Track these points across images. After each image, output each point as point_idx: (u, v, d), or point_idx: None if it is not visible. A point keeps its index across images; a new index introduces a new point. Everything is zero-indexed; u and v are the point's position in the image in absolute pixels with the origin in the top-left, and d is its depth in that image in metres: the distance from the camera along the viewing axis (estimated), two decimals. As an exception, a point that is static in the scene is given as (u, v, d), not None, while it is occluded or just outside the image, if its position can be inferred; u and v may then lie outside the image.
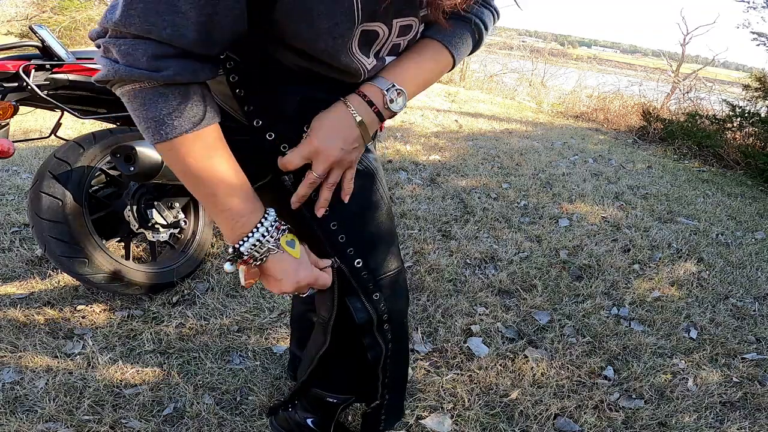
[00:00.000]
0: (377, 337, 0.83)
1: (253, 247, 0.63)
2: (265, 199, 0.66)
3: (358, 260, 0.77)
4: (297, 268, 0.67)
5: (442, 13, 0.65)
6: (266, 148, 0.68)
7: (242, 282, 0.66)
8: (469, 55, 0.79)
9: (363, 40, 0.63)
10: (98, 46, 0.55)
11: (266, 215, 0.64)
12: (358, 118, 0.65)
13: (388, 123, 4.06)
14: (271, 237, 0.63)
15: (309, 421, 1.05)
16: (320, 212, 0.71)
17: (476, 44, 0.76)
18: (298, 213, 0.71)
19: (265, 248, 0.63)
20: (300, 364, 0.99)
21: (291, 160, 0.66)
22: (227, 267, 0.65)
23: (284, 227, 0.66)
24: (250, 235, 0.62)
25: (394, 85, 0.67)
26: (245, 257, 0.63)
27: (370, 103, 0.66)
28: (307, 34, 0.58)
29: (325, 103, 0.67)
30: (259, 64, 0.65)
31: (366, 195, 0.77)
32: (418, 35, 0.71)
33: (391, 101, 0.67)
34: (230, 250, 0.64)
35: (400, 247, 2.13)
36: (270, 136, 0.68)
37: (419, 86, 0.71)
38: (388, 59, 0.70)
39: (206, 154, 0.58)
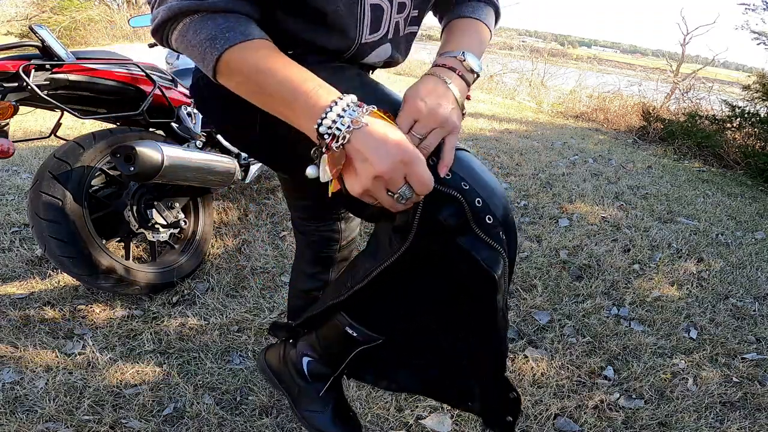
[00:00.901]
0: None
1: (333, 122, 0.54)
2: None
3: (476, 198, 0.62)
4: (394, 140, 0.54)
5: None
6: None
7: (325, 177, 0.56)
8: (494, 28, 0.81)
9: (373, 16, 0.66)
10: (153, 6, 0.58)
11: (346, 96, 0.57)
12: (449, 81, 0.65)
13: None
14: (353, 110, 0.55)
15: (305, 361, 0.84)
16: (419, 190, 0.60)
17: (497, 14, 0.81)
18: None
19: (350, 119, 0.54)
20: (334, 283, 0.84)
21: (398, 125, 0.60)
22: (309, 170, 0.58)
23: (374, 107, 0.57)
24: (329, 109, 0.54)
25: (463, 52, 0.68)
26: (326, 139, 0.54)
27: (453, 69, 0.67)
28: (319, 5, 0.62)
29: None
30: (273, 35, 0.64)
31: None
32: (410, 16, 0.73)
33: (473, 64, 0.68)
34: (315, 147, 0.57)
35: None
36: None
37: (480, 51, 0.72)
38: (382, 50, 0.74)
39: (267, 54, 0.58)
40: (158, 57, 2.33)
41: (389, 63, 0.80)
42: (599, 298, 1.88)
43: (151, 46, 2.55)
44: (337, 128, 0.54)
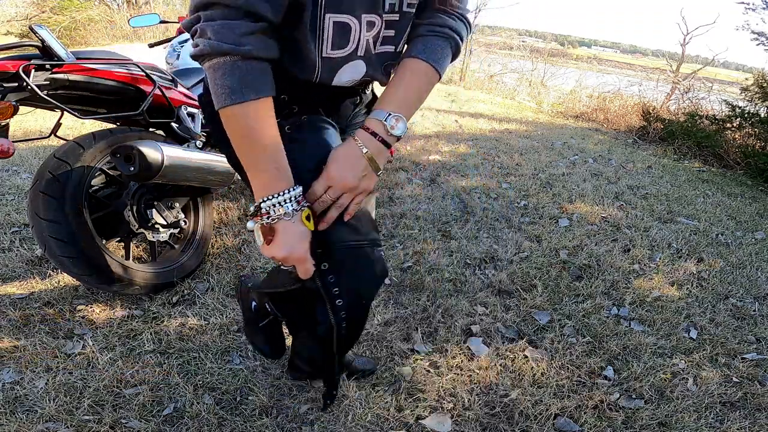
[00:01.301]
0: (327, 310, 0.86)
1: (273, 206, 0.72)
2: None
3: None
4: (300, 241, 0.74)
5: (415, 26, 0.80)
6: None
7: (258, 241, 0.75)
8: (452, 62, 0.87)
9: (336, 32, 0.73)
10: (193, 33, 0.68)
11: (295, 188, 0.74)
12: (365, 150, 0.77)
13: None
14: (291, 205, 0.73)
15: (252, 304, 1.13)
16: (322, 226, 0.79)
17: (454, 57, 0.86)
18: None
19: (282, 212, 0.72)
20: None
21: (315, 190, 0.77)
22: (249, 225, 0.76)
23: (306, 205, 0.75)
24: (276, 195, 0.72)
25: (390, 114, 0.77)
26: (262, 212, 0.72)
27: (374, 134, 0.77)
28: (298, 37, 0.73)
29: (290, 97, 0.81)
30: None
31: None
32: (381, 35, 0.79)
33: (392, 128, 0.77)
34: (252, 208, 0.74)
35: (400, 246, 2.13)
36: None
37: (414, 105, 0.81)
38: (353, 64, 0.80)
39: (261, 117, 0.70)
40: (158, 57, 2.33)
41: (367, 81, 0.88)
42: (599, 298, 1.88)
43: (151, 45, 2.55)
44: (274, 211, 0.72)
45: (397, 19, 0.78)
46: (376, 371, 1.42)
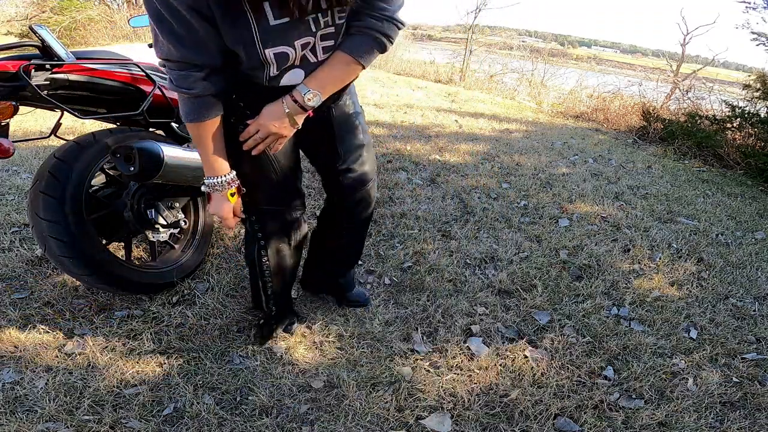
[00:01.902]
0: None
1: (210, 184, 1.12)
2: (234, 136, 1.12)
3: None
4: (222, 205, 1.15)
5: (350, 26, 1.01)
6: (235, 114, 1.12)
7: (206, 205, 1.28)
8: (381, 53, 1.08)
9: (278, 60, 0.98)
10: (168, 76, 0.98)
11: (228, 174, 1.13)
12: (286, 110, 1.06)
13: (387, 120, 4.02)
14: (222, 185, 1.12)
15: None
16: (255, 152, 1.13)
17: (383, 49, 1.05)
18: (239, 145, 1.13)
19: (214, 188, 1.12)
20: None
21: (249, 130, 1.11)
22: (202, 188, 1.14)
23: (235, 184, 1.15)
24: (213, 177, 1.12)
25: (309, 90, 1.04)
26: (204, 185, 1.13)
27: (295, 101, 1.05)
28: (248, 63, 0.99)
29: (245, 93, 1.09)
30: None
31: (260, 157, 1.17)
32: (318, 47, 1.01)
33: (308, 100, 1.04)
34: (204, 180, 1.13)
35: (400, 246, 2.13)
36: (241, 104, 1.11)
37: (331, 86, 1.07)
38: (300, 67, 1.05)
39: (206, 133, 1.06)
40: (158, 57, 2.33)
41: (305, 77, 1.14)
42: (599, 298, 1.88)
43: (151, 45, 2.55)
44: (210, 187, 1.13)
45: (333, 30, 1.00)
46: (368, 305, 1.71)
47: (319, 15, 0.95)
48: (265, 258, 1.35)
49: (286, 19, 0.92)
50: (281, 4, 0.88)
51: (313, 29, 0.96)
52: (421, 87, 6.91)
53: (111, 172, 1.57)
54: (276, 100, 1.07)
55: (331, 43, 1.02)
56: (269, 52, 0.96)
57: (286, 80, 1.05)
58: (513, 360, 1.51)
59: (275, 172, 1.23)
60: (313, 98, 1.04)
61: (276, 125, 1.08)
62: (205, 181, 1.12)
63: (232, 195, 1.16)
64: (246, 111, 1.10)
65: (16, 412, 1.18)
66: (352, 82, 1.15)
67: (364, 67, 1.06)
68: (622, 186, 3.25)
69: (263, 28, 0.91)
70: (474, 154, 3.68)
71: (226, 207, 1.15)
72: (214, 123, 1.04)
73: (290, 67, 1.02)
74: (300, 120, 1.09)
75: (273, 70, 1.01)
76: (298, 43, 0.97)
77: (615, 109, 5.95)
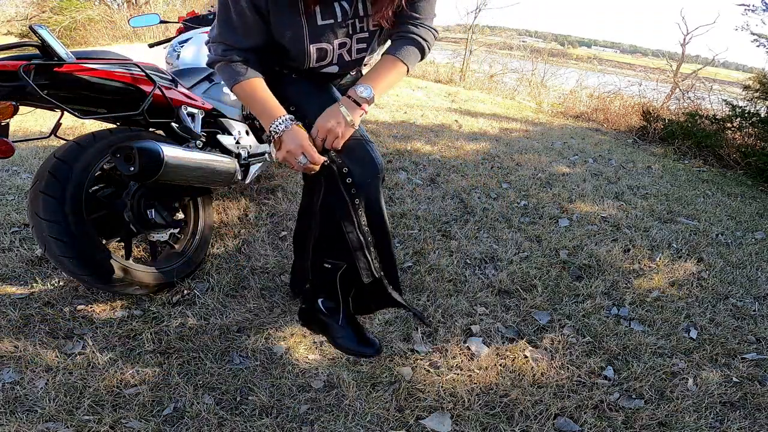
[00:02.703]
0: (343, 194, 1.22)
1: (277, 125, 1.13)
2: None
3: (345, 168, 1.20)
4: (297, 136, 1.13)
5: (393, 33, 1.19)
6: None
7: (274, 154, 1.17)
8: (420, 60, 1.22)
9: (318, 55, 1.16)
10: (209, 49, 1.16)
11: (285, 115, 1.15)
12: (341, 107, 1.15)
13: (387, 120, 4.02)
14: (285, 123, 1.13)
15: (320, 302, 1.33)
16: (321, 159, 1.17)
17: (422, 51, 1.20)
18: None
19: (282, 127, 1.13)
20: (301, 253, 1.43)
21: (311, 133, 1.17)
22: (265, 147, 1.42)
23: (297, 122, 1.16)
24: (276, 120, 1.14)
25: (361, 85, 1.15)
26: (271, 132, 1.14)
27: (348, 96, 1.15)
28: (290, 53, 1.17)
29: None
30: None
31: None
32: (353, 47, 1.19)
33: (361, 92, 1.14)
34: (267, 136, 1.26)
35: (400, 246, 2.13)
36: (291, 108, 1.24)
37: (383, 84, 1.18)
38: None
39: (253, 88, 1.15)
40: (158, 57, 2.33)
41: (341, 74, 1.31)
42: (599, 298, 1.88)
43: (151, 46, 2.55)
44: (277, 128, 1.14)
45: (367, 35, 1.17)
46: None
47: (357, 20, 1.14)
48: (356, 200, 1.22)
49: (331, 21, 1.10)
50: (327, 8, 1.08)
51: (350, 32, 1.14)
52: (421, 87, 6.91)
53: (111, 173, 1.57)
54: (334, 104, 1.18)
55: (364, 45, 1.19)
56: (312, 47, 1.13)
57: (325, 71, 1.23)
58: (513, 360, 1.51)
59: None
60: (365, 90, 1.14)
61: (332, 122, 1.14)
62: (271, 127, 1.13)
63: (299, 125, 1.16)
64: (291, 74, 1.25)
65: (16, 412, 1.18)
66: (398, 82, 1.26)
67: (408, 68, 1.19)
68: (622, 186, 3.25)
69: (312, 26, 1.09)
70: (474, 154, 3.68)
71: (304, 139, 1.13)
72: (258, 80, 1.15)
73: (328, 64, 1.19)
74: (356, 118, 1.15)
75: (312, 62, 1.17)
76: (336, 42, 1.14)
77: (615, 109, 5.95)
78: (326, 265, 1.28)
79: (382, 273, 1.29)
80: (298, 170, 1.17)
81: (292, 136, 1.12)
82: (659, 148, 4.64)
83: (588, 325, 1.71)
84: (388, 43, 1.24)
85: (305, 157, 1.13)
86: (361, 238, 1.24)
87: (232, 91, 1.16)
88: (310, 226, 1.31)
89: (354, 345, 1.30)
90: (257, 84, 1.15)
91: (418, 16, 1.17)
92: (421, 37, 1.18)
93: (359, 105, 1.15)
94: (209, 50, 1.15)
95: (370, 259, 1.26)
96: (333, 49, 1.16)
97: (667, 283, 2.06)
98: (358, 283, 1.28)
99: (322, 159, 1.15)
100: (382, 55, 1.20)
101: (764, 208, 3.17)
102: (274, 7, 1.05)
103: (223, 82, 2.12)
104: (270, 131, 1.14)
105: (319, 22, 1.10)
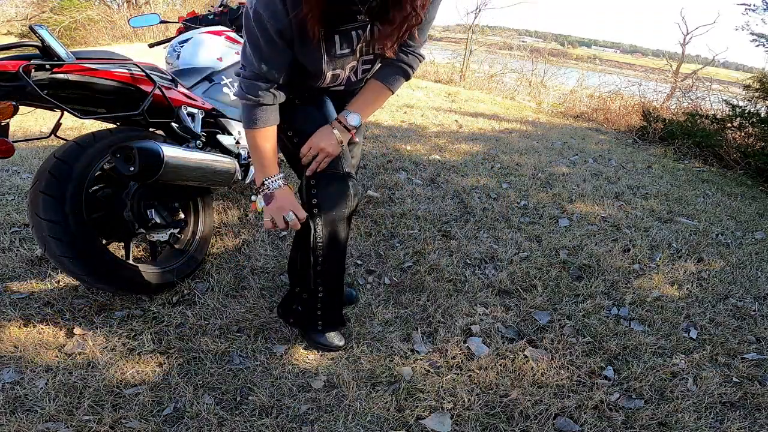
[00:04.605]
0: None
1: (272, 182, 1.25)
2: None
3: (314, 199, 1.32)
4: (289, 197, 1.27)
5: (384, 58, 1.25)
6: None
7: (259, 205, 1.29)
8: (406, 81, 1.34)
9: (331, 79, 1.25)
10: (240, 84, 1.19)
11: (281, 174, 1.27)
12: (335, 131, 1.29)
13: (387, 120, 4.03)
14: (281, 182, 1.26)
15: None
16: (308, 173, 1.31)
17: (407, 77, 1.32)
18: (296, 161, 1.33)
19: (276, 185, 1.26)
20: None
21: (302, 150, 1.30)
22: (253, 197, 1.26)
23: (287, 184, 1.28)
24: (271, 177, 1.26)
25: (350, 113, 1.31)
26: (264, 187, 1.25)
27: (340, 122, 1.30)
28: (307, 73, 1.23)
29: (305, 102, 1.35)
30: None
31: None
32: (359, 69, 1.27)
33: (351, 120, 1.30)
34: (257, 188, 1.27)
35: (400, 246, 2.13)
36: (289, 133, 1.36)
37: (369, 109, 1.33)
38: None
39: (264, 138, 1.23)
40: (158, 57, 2.33)
41: (345, 91, 1.38)
42: (599, 298, 1.88)
43: (151, 46, 2.55)
44: (272, 184, 1.26)
45: (372, 57, 1.25)
46: (358, 301, 1.73)
47: (365, 44, 1.20)
48: (319, 228, 1.35)
49: (348, 50, 1.18)
50: (346, 37, 1.15)
51: (358, 55, 1.22)
52: (421, 87, 6.91)
53: (111, 173, 1.57)
54: (326, 126, 1.30)
55: (368, 66, 1.28)
56: (329, 73, 1.22)
57: (333, 89, 1.35)
58: (513, 360, 1.51)
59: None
60: (354, 119, 1.30)
61: (324, 143, 1.27)
62: (266, 181, 1.25)
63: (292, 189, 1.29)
64: (293, 138, 1.34)
65: (16, 412, 1.18)
66: (382, 104, 1.40)
67: (392, 92, 1.32)
68: (622, 186, 3.25)
69: (331, 55, 1.17)
70: (474, 154, 3.68)
71: (293, 198, 1.27)
72: (272, 131, 1.24)
73: (337, 85, 1.30)
74: (345, 139, 1.30)
75: (325, 83, 1.27)
76: (348, 67, 1.23)
77: (615, 109, 5.95)
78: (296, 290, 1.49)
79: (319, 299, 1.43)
80: (281, 227, 1.27)
81: (284, 194, 1.26)
82: (659, 148, 4.64)
83: (588, 325, 1.71)
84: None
85: (293, 214, 1.25)
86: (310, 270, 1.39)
87: (245, 130, 1.23)
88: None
89: (324, 340, 1.49)
90: (269, 135, 1.23)
91: (411, 44, 1.26)
92: (408, 66, 1.29)
93: (348, 130, 1.30)
94: (240, 86, 1.18)
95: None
96: (345, 73, 1.25)
97: (667, 283, 2.06)
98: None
99: (305, 215, 1.27)
100: (371, 79, 1.31)
101: (764, 208, 3.17)
102: (298, 38, 1.11)
103: (223, 83, 2.15)
104: (264, 184, 1.25)
105: (338, 51, 1.17)
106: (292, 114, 1.31)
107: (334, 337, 1.49)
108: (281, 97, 1.21)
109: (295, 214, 1.26)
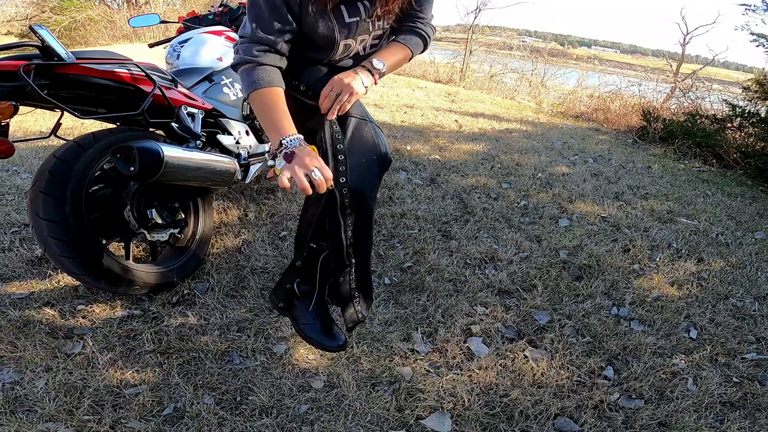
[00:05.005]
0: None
1: (290, 141, 1.06)
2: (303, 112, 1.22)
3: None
4: (310, 155, 1.06)
5: (395, 22, 1.28)
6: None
7: (278, 166, 1.07)
8: (421, 53, 1.34)
9: (343, 50, 1.22)
10: (235, 53, 1.14)
11: (298, 134, 1.08)
12: (359, 74, 1.19)
13: (387, 120, 4.02)
14: (300, 141, 1.07)
15: (296, 284, 1.31)
16: (330, 116, 1.17)
17: (425, 42, 1.31)
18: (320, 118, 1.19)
19: (296, 143, 1.06)
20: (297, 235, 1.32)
21: (324, 89, 1.18)
22: (271, 162, 1.07)
23: (304, 144, 1.09)
24: (289, 136, 1.07)
25: (374, 58, 1.22)
26: (283, 147, 1.06)
27: (363, 66, 1.21)
28: (318, 47, 1.20)
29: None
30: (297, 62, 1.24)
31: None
32: (369, 44, 1.26)
33: (376, 63, 1.21)
34: (272, 147, 1.08)
35: (400, 246, 2.13)
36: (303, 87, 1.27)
37: (393, 61, 1.26)
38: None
39: (272, 98, 1.12)
40: (158, 57, 2.33)
41: (350, 67, 1.31)
42: (599, 298, 1.88)
43: (151, 46, 2.54)
44: (291, 143, 1.06)
45: (381, 33, 1.26)
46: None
47: (376, 18, 1.22)
48: (345, 190, 1.20)
49: (357, 18, 1.18)
50: (352, 7, 1.17)
51: (370, 30, 1.22)
52: (421, 87, 6.91)
53: (111, 173, 1.57)
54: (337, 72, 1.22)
55: (377, 42, 1.29)
56: (342, 42, 1.19)
57: (342, 64, 1.29)
58: (513, 360, 1.51)
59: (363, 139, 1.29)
60: (379, 63, 1.23)
61: (347, 80, 1.17)
62: (283, 140, 1.07)
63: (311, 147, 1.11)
64: (307, 92, 1.26)
65: (16, 412, 1.19)
66: (403, 64, 1.35)
67: (412, 54, 1.30)
68: (622, 186, 3.25)
69: (341, 23, 1.17)
70: (474, 154, 3.68)
71: (317, 156, 1.08)
72: (278, 91, 1.13)
73: (345, 58, 1.26)
74: (369, 83, 1.21)
75: (336, 56, 1.23)
76: (359, 38, 1.22)
77: (615, 109, 5.94)
78: (312, 245, 1.27)
79: (353, 261, 1.26)
80: (304, 187, 1.05)
81: (307, 152, 1.07)
82: (659, 148, 4.64)
83: (588, 325, 1.71)
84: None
85: (319, 172, 1.04)
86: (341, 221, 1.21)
87: (249, 97, 1.13)
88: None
89: (317, 335, 1.27)
90: (277, 94, 1.12)
91: (422, 15, 1.30)
92: (425, 32, 1.30)
93: (372, 75, 1.22)
94: (236, 52, 1.13)
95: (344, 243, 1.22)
96: (355, 45, 1.23)
97: (667, 283, 2.06)
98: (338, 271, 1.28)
99: (331, 176, 1.08)
100: (394, 40, 1.29)
101: (764, 208, 3.17)
102: (306, 6, 1.11)
103: (223, 83, 2.15)
104: (282, 143, 1.07)
105: (347, 19, 1.16)
106: (301, 71, 1.25)
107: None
108: (282, 62, 1.16)
109: (319, 171, 1.05)
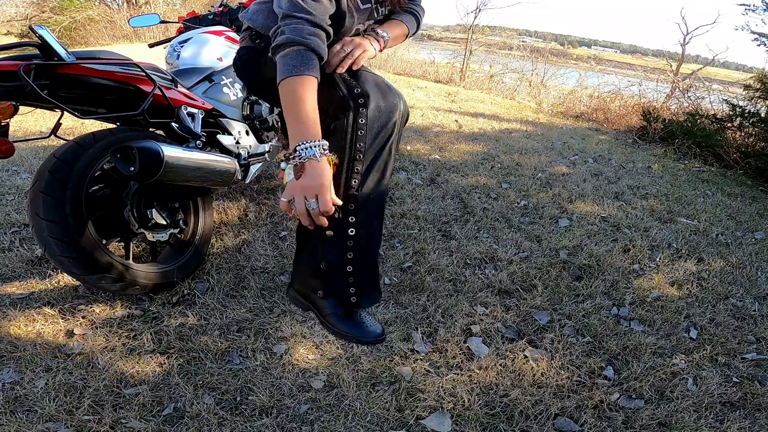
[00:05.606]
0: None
1: (305, 149, 0.96)
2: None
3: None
4: (322, 175, 0.96)
5: (398, 6, 1.32)
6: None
7: (287, 178, 0.99)
8: (413, 35, 1.39)
9: (354, 34, 1.21)
10: (275, 35, 1.05)
11: (322, 141, 0.98)
12: (365, 38, 1.20)
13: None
14: (318, 150, 0.96)
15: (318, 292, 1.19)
16: (340, 70, 1.12)
17: (418, 22, 1.39)
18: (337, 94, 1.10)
19: (312, 153, 0.95)
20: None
21: (335, 47, 1.14)
22: (282, 165, 0.99)
23: (329, 154, 0.99)
24: (307, 141, 0.97)
25: (380, 29, 1.26)
26: (296, 154, 0.96)
27: (369, 35, 1.24)
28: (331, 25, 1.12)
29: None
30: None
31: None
32: (369, 29, 1.27)
33: (381, 31, 1.25)
34: (287, 151, 0.98)
35: (400, 246, 2.13)
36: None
37: (395, 34, 1.30)
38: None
39: (307, 89, 1.01)
40: (158, 57, 2.33)
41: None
42: (599, 298, 1.88)
43: (151, 46, 2.55)
44: (305, 152, 0.96)
45: (381, 19, 1.30)
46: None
47: (379, 5, 1.27)
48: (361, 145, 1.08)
49: (369, 5, 1.22)
50: None
51: (375, 16, 1.26)
52: (421, 87, 6.91)
53: (111, 173, 1.57)
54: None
55: (374, 24, 1.31)
56: (353, 28, 1.22)
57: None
58: (513, 360, 1.51)
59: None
60: (384, 32, 1.26)
61: (359, 39, 1.18)
62: (299, 146, 0.96)
63: (330, 164, 0.98)
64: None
65: (16, 412, 1.19)
66: (401, 41, 1.38)
67: (408, 30, 1.35)
68: (622, 186, 3.25)
69: (357, 8, 1.19)
70: (474, 154, 3.68)
71: (328, 178, 0.97)
72: (314, 82, 1.02)
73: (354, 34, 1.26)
74: (374, 45, 1.22)
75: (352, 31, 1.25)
76: (366, 24, 1.26)
77: (615, 109, 5.94)
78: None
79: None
80: (301, 215, 0.98)
81: (319, 170, 0.96)
82: (659, 148, 4.64)
83: (588, 325, 1.71)
84: None
85: (317, 203, 0.95)
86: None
87: (282, 81, 1.01)
88: None
89: (348, 328, 1.15)
90: (312, 87, 1.01)
91: (416, 1, 1.41)
92: (417, 12, 1.39)
93: (378, 41, 1.25)
94: (282, 28, 1.02)
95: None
96: (363, 28, 1.26)
97: (667, 283, 2.06)
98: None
99: (332, 210, 0.98)
100: (395, 19, 1.34)
101: (764, 208, 3.17)
102: None
103: (223, 83, 2.15)
104: (297, 150, 0.96)
105: (361, 6, 1.20)
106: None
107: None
108: (324, 45, 1.06)
109: (319, 203, 0.96)
